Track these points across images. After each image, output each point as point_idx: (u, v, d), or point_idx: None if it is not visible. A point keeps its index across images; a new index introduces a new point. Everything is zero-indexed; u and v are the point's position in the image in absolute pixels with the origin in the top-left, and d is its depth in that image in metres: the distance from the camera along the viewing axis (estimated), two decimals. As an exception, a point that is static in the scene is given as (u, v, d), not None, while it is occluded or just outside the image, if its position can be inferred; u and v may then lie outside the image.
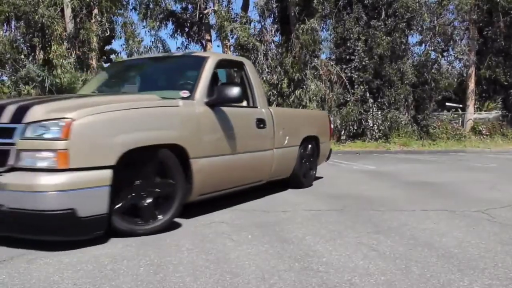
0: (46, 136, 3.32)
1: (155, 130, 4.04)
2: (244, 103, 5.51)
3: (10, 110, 3.52)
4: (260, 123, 5.52)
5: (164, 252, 3.34)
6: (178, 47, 23.88)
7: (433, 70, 19.58)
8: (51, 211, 3.25)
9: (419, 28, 19.40)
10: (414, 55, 20.38)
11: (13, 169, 3.36)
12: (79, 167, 3.35)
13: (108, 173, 3.47)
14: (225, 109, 4.83)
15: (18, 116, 3.44)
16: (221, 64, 5.39)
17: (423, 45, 20.35)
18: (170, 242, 3.65)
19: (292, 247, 3.51)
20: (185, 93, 4.61)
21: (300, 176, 6.67)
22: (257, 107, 5.67)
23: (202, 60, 5.10)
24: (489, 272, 2.93)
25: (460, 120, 23.10)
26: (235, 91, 4.64)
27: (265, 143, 5.68)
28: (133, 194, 3.84)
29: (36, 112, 3.44)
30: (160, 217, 3.98)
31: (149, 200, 3.91)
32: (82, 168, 3.36)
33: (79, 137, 3.36)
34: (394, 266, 3.04)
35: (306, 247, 3.51)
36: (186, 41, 23.70)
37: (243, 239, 3.74)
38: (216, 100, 4.66)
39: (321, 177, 7.78)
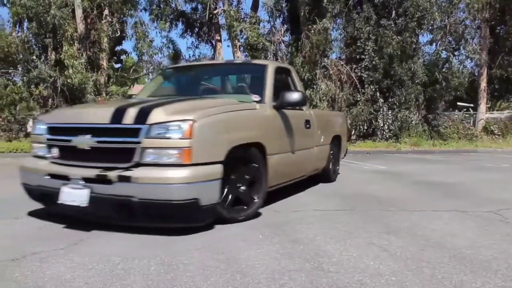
0: (171, 135, 3.77)
1: (247, 130, 4.66)
2: None
3: (132, 113, 3.91)
4: (307, 123, 6.16)
5: (175, 252, 3.35)
6: (189, 47, 23.94)
7: (444, 70, 19.41)
8: (180, 201, 3.71)
9: (430, 27, 19.22)
10: (425, 54, 20.21)
11: (137, 164, 3.78)
12: (199, 162, 3.82)
13: (220, 167, 3.99)
14: (286, 111, 5.42)
15: (141, 118, 3.83)
16: (276, 70, 5.82)
17: (434, 44, 20.20)
18: (181, 241, 3.66)
19: (302, 247, 3.50)
20: (256, 97, 5.12)
21: (330, 172, 7.35)
22: (302, 109, 6.14)
23: (263, 68, 5.72)
24: (502, 274, 2.90)
25: (472, 120, 22.87)
26: (297, 95, 5.24)
27: (310, 142, 6.34)
28: (232, 186, 4.34)
29: (158, 115, 3.85)
30: (252, 203, 4.56)
31: (243, 191, 4.49)
32: (201, 163, 3.84)
33: (199, 136, 3.83)
34: (405, 266, 3.03)
35: (316, 247, 3.51)
36: (196, 41, 23.76)
37: (254, 239, 3.74)
38: (282, 104, 5.23)
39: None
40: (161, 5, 21.28)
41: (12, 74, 18.41)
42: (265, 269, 2.97)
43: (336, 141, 7.55)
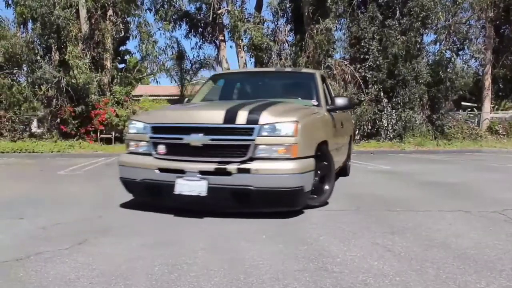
0: (281, 133, 4.43)
1: (322, 129, 5.42)
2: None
3: (243, 115, 4.51)
4: (341, 124, 6.87)
5: (179, 252, 3.35)
6: (192, 48, 23.94)
7: (448, 69, 19.33)
8: (291, 188, 4.39)
9: (434, 27, 19.17)
10: (429, 54, 20.13)
11: (250, 159, 4.39)
12: (301, 156, 4.50)
13: (313, 161, 4.70)
14: (333, 113, 6.15)
15: (253, 119, 4.45)
16: (321, 77, 6.59)
17: (438, 44, 20.11)
18: (185, 242, 3.67)
19: (306, 247, 3.50)
20: (314, 102, 5.89)
21: (347, 166, 8.21)
22: (336, 112, 6.53)
23: (313, 75, 6.54)
24: (506, 274, 2.89)
25: (476, 120, 22.75)
26: (346, 100, 6.08)
27: (343, 139, 7.15)
28: (317, 176, 4.98)
29: (267, 116, 4.48)
30: (324, 191, 5.25)
31: (318, 181, 5.10)
32: (302, 157, 4.52)
33: (302, 134, 4.49)
34: (409, 267, 3.02)
35: (320, 247, 3.50)
36: (200, 41, 23.76)
37: (257, 239, 3.74)
38: (335, 107, 6.02)
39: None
40: (165, 6, 21.28)
41: (17, 75, 18.42)
42: (269, 269, 2.97)
43: (350, 140, 8.40)
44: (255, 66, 20.97)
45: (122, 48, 24.29)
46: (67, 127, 17.59)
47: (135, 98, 20.68)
